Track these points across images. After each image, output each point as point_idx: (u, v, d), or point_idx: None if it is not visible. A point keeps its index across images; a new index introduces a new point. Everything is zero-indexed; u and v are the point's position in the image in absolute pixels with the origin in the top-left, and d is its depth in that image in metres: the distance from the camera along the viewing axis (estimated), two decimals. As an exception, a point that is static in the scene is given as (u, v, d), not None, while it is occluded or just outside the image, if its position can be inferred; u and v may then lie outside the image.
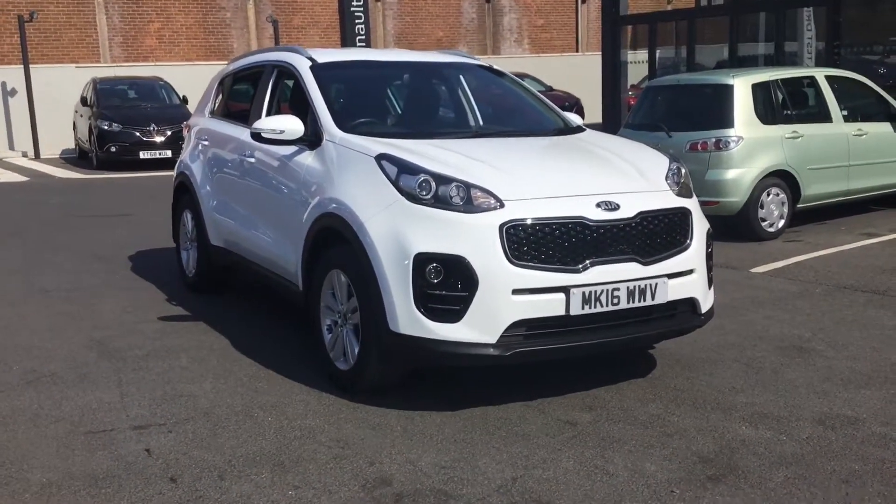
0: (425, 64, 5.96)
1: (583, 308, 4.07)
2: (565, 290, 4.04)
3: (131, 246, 8.89)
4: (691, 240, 4.45)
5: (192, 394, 4.58)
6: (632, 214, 4.22)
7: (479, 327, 4.00)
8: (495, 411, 4.26)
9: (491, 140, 5.10)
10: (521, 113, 5.80)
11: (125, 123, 17.33)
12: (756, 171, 8.48)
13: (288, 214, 5.08)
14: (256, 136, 5.05)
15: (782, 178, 8.68)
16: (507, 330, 4.01)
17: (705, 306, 4.55)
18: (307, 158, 4.95)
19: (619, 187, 4.35)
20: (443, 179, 4.15)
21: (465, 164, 4.34)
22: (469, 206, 4.08)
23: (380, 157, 4.40)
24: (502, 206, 4.08)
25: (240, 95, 6.82)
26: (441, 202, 4.10)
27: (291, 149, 5.08)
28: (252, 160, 5.65)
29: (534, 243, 4.04)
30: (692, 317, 4.51)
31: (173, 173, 7.22)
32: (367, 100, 5.60)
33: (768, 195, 8.59)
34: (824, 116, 9.12)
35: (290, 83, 5.77)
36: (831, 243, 8.32)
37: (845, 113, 9.25)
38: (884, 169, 9.46)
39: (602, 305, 4.11)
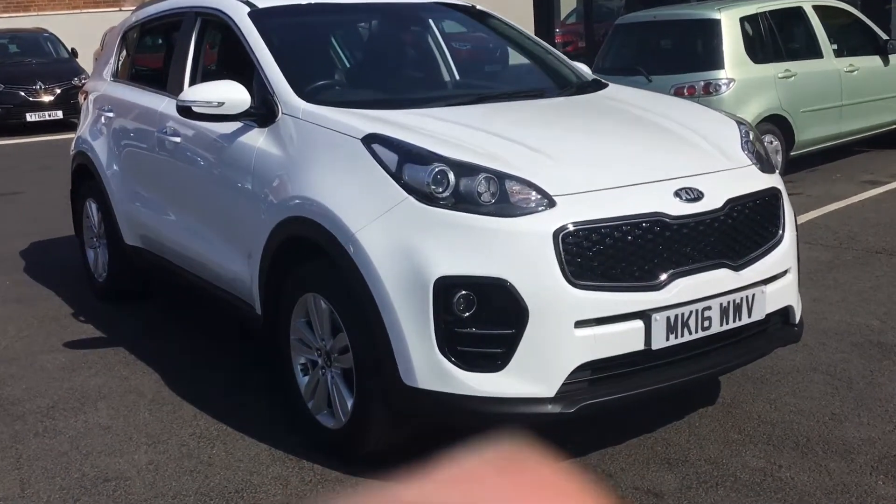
0: (398, 6, 4.63)
1: (667, 339, 2.97)
2: (645, 315, 2.93)
3: (23, 236, 7.36)
4: (783, 230, 3.38)
5: (120, 474, 3.32)
6: (720, 204, 3.11)
7: (531, 377, 2.86)
8: (545, 478, 3.15)
9: (502, 106, 3.87)
10: (524, 66, 4.58)
11: (7, 82, 15.28)
12: (750, 117, 7.46)
13: (234, 214, 3.81)
14: (185, 110, 3.72)
15: (775, 124, 7.73)
16: (568, 377, 2.88)
17: (799, 314, 3.52)
18: (257, 139, 3.66)
19: (696, 167, 3.23)
20: (465, 169, 2.95)
21: (489, 144, 3.14)
22: (505, 205, 2.90)
23: (370, 139, 3.15)
24: (552, 204, 2.91)
25: (151, 53, 5.43)
26: (466, 202, 2.91)
27: (233, 125, 3.78)
28: (177, 139, 4.30)
29: (601, 254, 2.90)
30: (786, 330, 3.46)
31: (70, 148, 5.76)
32: (329, 58, 4.28)
33: (762, 143, 7.63)
34: (815, 52, 8.17)
35: (221, 37, 4.43)
36: (833, 195, 7.43)
37: (835, 47, 8.31)
38: (876, 107, 8.60)
39: (690, 332, 3.02)
